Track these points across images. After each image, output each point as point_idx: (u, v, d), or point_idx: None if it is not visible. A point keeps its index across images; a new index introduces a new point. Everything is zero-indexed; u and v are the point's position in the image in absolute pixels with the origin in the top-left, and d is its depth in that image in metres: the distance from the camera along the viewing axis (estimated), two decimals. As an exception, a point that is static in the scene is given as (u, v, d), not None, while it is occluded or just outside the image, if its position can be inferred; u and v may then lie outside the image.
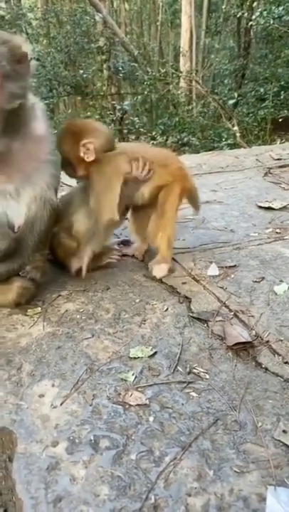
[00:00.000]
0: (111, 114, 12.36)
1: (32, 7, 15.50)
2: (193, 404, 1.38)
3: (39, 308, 1.88)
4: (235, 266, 2.20)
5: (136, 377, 1.49)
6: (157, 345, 1.64)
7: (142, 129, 11.91)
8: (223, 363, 1.56)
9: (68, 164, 2.00)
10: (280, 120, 10.30)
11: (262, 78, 11.74)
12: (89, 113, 13.52)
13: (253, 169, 3.81)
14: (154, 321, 1.79)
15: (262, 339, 1.67)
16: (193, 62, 13.33)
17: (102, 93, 13.32)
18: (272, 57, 12.13)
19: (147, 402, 1.38)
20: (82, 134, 1.95)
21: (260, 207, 2.95)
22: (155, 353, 1.60)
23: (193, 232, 2.61)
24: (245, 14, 11.58)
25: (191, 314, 1.83)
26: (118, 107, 12.27)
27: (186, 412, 1.35)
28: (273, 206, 2.93)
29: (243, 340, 1.62)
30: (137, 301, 1.93)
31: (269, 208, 2.92)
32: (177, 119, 11.13)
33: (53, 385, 1.46)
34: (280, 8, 9.51)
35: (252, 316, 1.81)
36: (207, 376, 1.49)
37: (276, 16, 9.55)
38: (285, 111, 10.24)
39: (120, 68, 12.71)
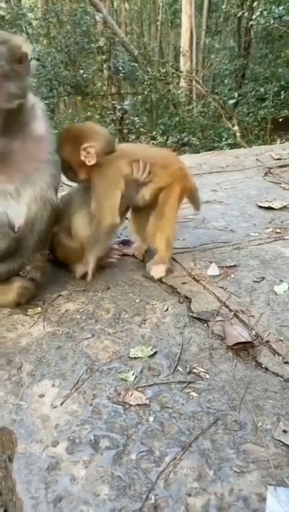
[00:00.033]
0: (111, 113, 12.37)
1: (32, 7, 15.50)
2: (193, 404, 1.38)
3: (39, 308, 1.89)
4: (235, 266, 2.20)
5: (136, 377, 1.49)
6: (157, 345, 1.64)
7: (142, 129, 11.92)
8: (223, 363, 1.56)
9: (69, 168, 1.99)
10: (280, 120, 10.30)
11: (262, 78, 11.73)
12: (89, 113, 13.54)
13: (253, 169, 3.81)
14: (154, 321, 1.79)
15: (262, 339, 1.67)
16: (194, 62, 13.33)
17: (102, 93, 13.33)
18: (273, 57, 12.13)
19: (147, 402, 1.38)
20: (82, 137, 1.94)
21: (260, 207, 2.95)
22: (155, 352, 1.60)
23: (193, 231, 2.61)
24: (246, 14, 11.58)
25: (191, 314, 1.83)
26: (118, 107, 12.28)
27: (186, 411, 1.35)
28: (273, 206, 2.93)
29: (243, 340, 1.62)
30: (137, 301, 1.93)
31: (269, 208, 2.92)
32: (177, 118, 11.13)
33: (53, 385, 1.46)
34: (281, 8, 9.51)
35: (252, 316, 1.80)
36: (207, 376, 1.49)
37: (276, 16, 9.55)
38: (286, 111, 10.23)
39: (120, 68, 12.72)
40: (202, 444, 1.24)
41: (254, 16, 10.37)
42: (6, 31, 1.78)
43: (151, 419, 1.32)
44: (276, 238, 2.49)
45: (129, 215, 2.28)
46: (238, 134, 9.84)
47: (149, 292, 2.00)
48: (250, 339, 1.64)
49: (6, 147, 1.69)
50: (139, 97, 12.61)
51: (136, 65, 12.42)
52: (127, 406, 1.36)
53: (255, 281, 2.06)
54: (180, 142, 10.40)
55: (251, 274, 2.12)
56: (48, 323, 1.79)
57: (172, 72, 12.27)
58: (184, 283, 2.06)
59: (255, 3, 11.66)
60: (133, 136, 11.98)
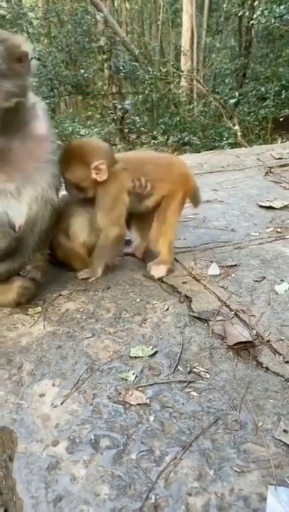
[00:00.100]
0: (112, 113, 12.38)
1: (33, 6, 15.50)
2: (193, 404, 1.38)
3: (40, 308, 1.89)
4: (235, 265, 2.19)
5: (136, 376, 1.48)
6: (158, 345, 1.64)
7: (142, 129, 11.93)
8: (224, 363, 1.56)
9: (77, 188, 1.97)
10: (281, 119, 10.29)
11: (263, 77, 11.72)
12: (90, 112, 13.55)
13: (253, 168, 3.80)
14: (155, 321, 1.79)
15: (262, 339, 1.67)
16: (194, 62, 13.33)
17: (103, 92, 13.34)
18: (274, 56, 12.11)
19: (148, 401, 1.38)
20: (89, 156, 1.91)
21: (261, 206, 2.94)
22: (156, 352, 1.60)
23: (194, 231, 2.61)
24: (247, 13, 11.58)
25: (191, 314, 1.82)
26: (119, 107, 12.30)
27: (187, 411, 1.35)
28: (274, 205, 2.93)
29: (244, 339, 1.62)
30: (138, 300, 1.93)
31: (270, 207, 2.91)
32: (178, 118, 11.13)
33: (53, 385, 1.46)
34: (281, 7, 9.51)
35: (253, 316, 1.80)
36: (208, 375, 1.49)
37: (277, 15, 9.55)
38: (286, 110, 10.23)
39: (121, 67, 12.72)
40: (202, 443, 1.24)
41: (255, 15, 10.36)
42: (6, 31, 1.78)
43: (151, 418, 1.32)
44: (277, 238, 2.49)
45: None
46: (238, 134, 9.83)
47: (149, 292, 2.00)
48: (250, 339, 1.63)
49: (6, 146, 1.69)
50: (140, 96, 12.62)
51: (137, 64, 12.42)
52: (128, 405, 1.36)
53: (256, 281, 2.05)
54: (181, 142, 10.40)
55: (252, 273, 2.12)
56: (48, 323, 1.79)
57: (173, 71, 12.26)
58: (184, 282, 2.06)
59: (256, 3, 11.68)
60: (134, 136, 11.99)
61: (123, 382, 1.46)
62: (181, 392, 1.42)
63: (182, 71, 12.45)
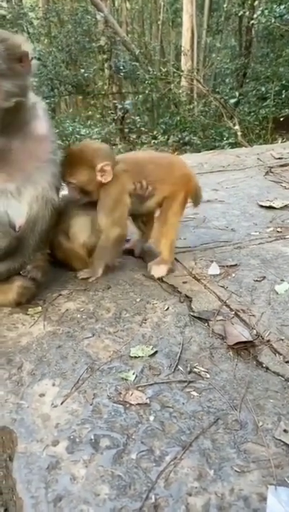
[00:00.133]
0: (112, 113, 12.39)
1: (33, 6, 15.50)
2: (193, 404, 1.37)
3: (40, 308, 1.88)
4: (236, 265, 2.19)
5: (136, 376, 1.48)
6: (158, 345, 1.64)
7: (143, 128, 11.94)
8: (224, 363, 1.56)
9: (82, 192, 1.97)
10: (282, 119, 10.29)
11: (263, 77, 11.72)
12: (90, 112, 13.55)
13: (254, 168, 3.80)
14: (155, 320, 1.79)
15: (263, 338, 1.66)
16: (195, 61, 13.33)
17: (103, 92, 13.34)
18: (274, 56, 12.11)
19: (148, 401, 1.38)
20: (94, 158, 1.91)
21: (261, 206, 2.94)
22: (156, 352, 1.60)
23: (194, 231, 2.61)
24: (247, 13, 11.58)
25: (191, 313, 1.82)
26: (119, 106, 12.30)
27: (187, 411, 1.35)
28: (274, 205, 2.93)
29: (244, 339, 1.62)
30: (138, 300, 1.93)
31: (270, 207, 2.91)
32: (178, 118, 11.14)
33: (53, 384, 1.46)
34: (282, 7, 9.51)
35: (253, 316, 1.80)
36: (208, 375, 1.49)
37: (277, 15, 9.55)
38: (287, 110, 10.22)
39: (121, 67, 12.72)
40: (202, 443, 1.24)
41: (255, 15, 10.36)
42: (7, 31, 1.78)
43: (151, 418, 1.32)
44: (277, 237, 2.49)
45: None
46: (239, 133, 9.83)
47: (149, 291, 2.00)
48: (250, 338, 1.63)
49: (6, 146, 1.69)
50: (140, 96, 12.63)
51: (137, 64, 12.42)
52: (128, 405, 1.36)
53: (256, 281, 2.05)
54: (181, 141, 10.41)
55: (252, 273, 2.12)
56: (48, 323, 1.79)
57: (173, 71, 12.27)
58: (184, 282, 2.06)
59: (256, 2, 11.68)
60: (134, 136, 11.99)
61: (123, 382, 1.46)
62: (181, 392, 1.42)
63: (182, 71, 12.46)
